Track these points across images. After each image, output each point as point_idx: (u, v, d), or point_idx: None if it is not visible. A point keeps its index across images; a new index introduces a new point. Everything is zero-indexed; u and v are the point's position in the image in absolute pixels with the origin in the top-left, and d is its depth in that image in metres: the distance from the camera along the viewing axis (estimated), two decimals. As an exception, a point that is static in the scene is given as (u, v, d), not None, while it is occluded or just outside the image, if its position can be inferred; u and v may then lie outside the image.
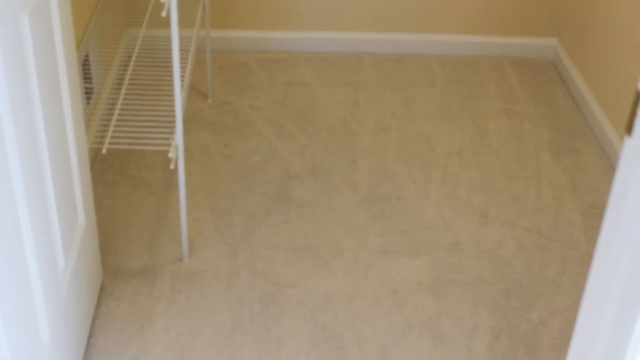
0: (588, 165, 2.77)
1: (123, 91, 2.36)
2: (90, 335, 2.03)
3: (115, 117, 2.22)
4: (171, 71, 2.03)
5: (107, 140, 2.12)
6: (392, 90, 3.15)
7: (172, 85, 2.42)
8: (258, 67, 3.26)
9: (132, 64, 2.47)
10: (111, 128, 2.17)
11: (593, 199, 2.60)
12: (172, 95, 2.44)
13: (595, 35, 2.99)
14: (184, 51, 2.60)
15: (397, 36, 3.38)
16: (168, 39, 2.02)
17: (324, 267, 2.30)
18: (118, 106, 2.25)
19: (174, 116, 2.15)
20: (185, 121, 2.88)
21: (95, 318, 2.08)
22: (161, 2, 1.85)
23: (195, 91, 3.07)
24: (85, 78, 2.55)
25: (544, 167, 2.74)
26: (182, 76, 2.35)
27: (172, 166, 2.05)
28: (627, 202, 0.98)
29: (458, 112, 3.03)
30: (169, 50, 2.21)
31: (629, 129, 0.94)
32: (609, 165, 2.77)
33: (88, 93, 2.59)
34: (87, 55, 2.57)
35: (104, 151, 2.09)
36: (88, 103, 2.58)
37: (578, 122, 3.00)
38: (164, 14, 1.85)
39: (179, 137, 2.07)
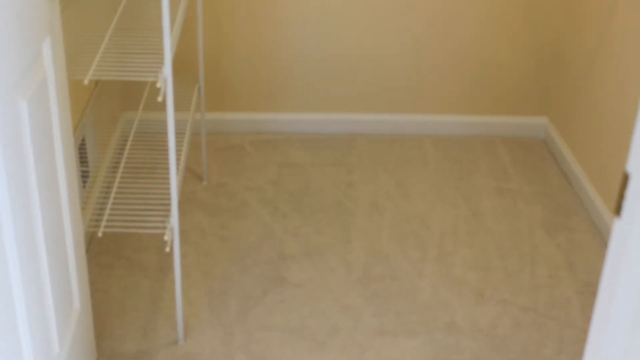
0: (582, 243, 2.78)
1: (119, 174, 2.39)
2: (84, 422, 2.01)
3: (111, 200, 2.24)
4: (167, 154, 2.06)
5: (103, 223, 2.13)
6: (385, 170, 3.18)
7: (167, 168, 2.44)
8: (252, 148, 3.30)
9: (128, 146, 2.50)
10: (107, 211, 2.18)
11: (588, 277, 2.61)
12: (168, 178, 2.46)
13: (585, 114, 3.04)
14: (179, 134, 2.64)
15: (390, 117, 3.43)
16: (164, 122, 2.05)
17: (320, 348, 2.28)
18: (114, 189, 2.27)
19: (169, 198, 2.16)
20: (181, 203, 2.89)
21: (89, 403, 2.06)
22: (157, 87, 1.88)
23: (190, 173, 3.10)
24: (81, 161, 2.57)
25: (538, 245, 2.75)
26: (178, 159, 2.38)
27: (167, 249, 2.06)
28: (619, 282, 0.99)
29: (452, 191, 3.06)
30: (164, 133, 2.24)
31: (617, 210, 0.96)
32: (603, 242, 2.78)
33: (84, 176, 2.61)
34: (83, 139, 2.60)
35: (99, 234, 2.10)
36: (84, 186, 2.60)
37: (571, 199, 3.03)
38: (160, 99, 1.88)
39: (174, 219, 2.09)
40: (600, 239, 2.80)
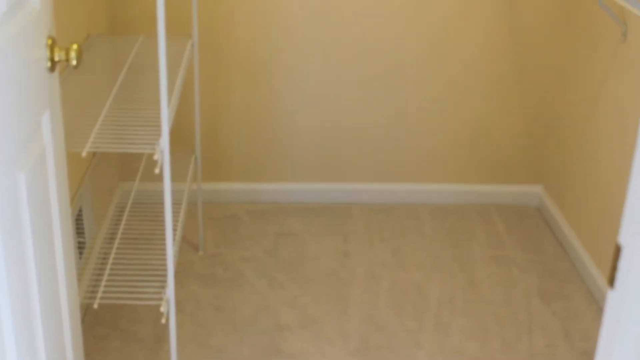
0: (578, 311, 2.77)
1: (115, 245, 2.39)
2: None
3: (107, 271, 2.24)
4: (163, 224, 2.07)
5: (99, 295, 2.13)
6: (381, 239, 3.19)
7: (164, 239, 2.45)
8: (248, 218, 3.31)
9: (124, 217, 2.51)
10: (103, 282, 2.18)
11: (585, 345, 2.60)
12: (164, 249, 2.46)
13: (579, 182, 3.07)
14: (176, 204, 2.64)
15: (385, 186, 3.46)
16: (161, 193, 2.07)
17: (316, 420, 2.26)
18: (110, 260, 2.27)
19: (165, 269, 2.16)
20: (177, 273, 2.89)
21: None
22: (155, 159, 1.90)
23: (186, 243, 3.10)
24: (78, 232, 2.58)
25: (534, 314, 2.75)
26: (174, 230, 2.39)
27: (163, 320, 2.05)
28: (614, 353, 0.99)
29: (448, 260, 3.06)
30: (161, 203, 2.25)
31: (611, 282, 0.97)
32: (599, 310, 2.78)
33: (80, 247, 2.61)
34: (80, 209, 2.61)
35: (95, 306, 2.09)
36: (80, 257, 2.60)
37: (566, 267, 3.03)
38: (157, 171, 1.90)
39: (170, 291, 2.08)
40: (596, 306, 2.80)
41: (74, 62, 1.55)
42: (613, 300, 0.99)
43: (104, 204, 2.99)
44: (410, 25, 3.21)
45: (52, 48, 1.55)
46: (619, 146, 2.73)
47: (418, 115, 3.35)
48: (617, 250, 0.97)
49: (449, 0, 3.17)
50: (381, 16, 3.19)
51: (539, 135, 3.40)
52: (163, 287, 2.15)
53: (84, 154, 1.91)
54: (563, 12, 3.19)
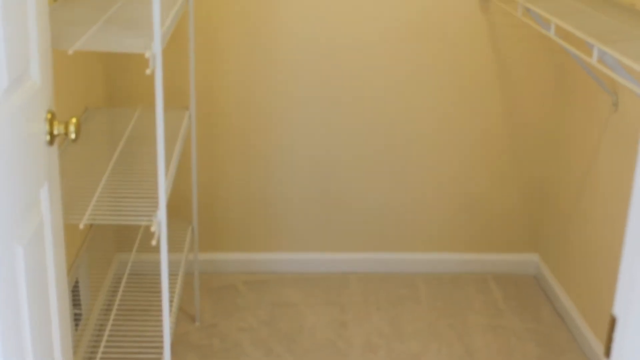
0: (578, 381, 2.76)
1: (112, 316, 2.38)
2: None
3: (103, 342, 2.23)
4: (160, 295, 2.06)
5: (94, 367, 2.11)
6: (378, 308, 3.18)
7: (160, 309, 2.44)
8: (245, 288, 3.30)
9: (121, 288, 2.51)
10: (99, 354, 2.16)
11: (586, 417, 2.57)
12: (161, 320, 2.45)
13: (575, 251, 3.07)
14: (172, 275, 2.64)
15: (382, 255, 3.46)
16: (157, 264, 2.07)
17: None
18: (106, 332, 2.26)
19: (162, 340, 2.15)
20: (173, 345, 2.87)
21: None
22: (152, 230, 1.91)
23: (183, 313, 3.08)
24: (74, 303, 2.57)
25: (534, 384, 2.73)
26: (171, 301, 2.38)
27: (159, 393, 2.04)
28: None
29: (445, 329, 3.04)
30: (158, 274, 2.25)
31: (607, 353, 0.97)
32: (599, 380, 2.76)
33: (77, 318, 2.60)
34: (77, 281, 2.61)
35: (90, 379, 2.08)
36: (76, 328, 2.58)
37: (564, 336, 3.02)
38: (154, 242, 1.91)
39: (166, 362, 2.07)
40: (596, 377, 2.78)
41: (73, 136, 1.57)
42: (609, 370, 0.99)
43: (100, 275, 2.99)
44: (409, 104, 3.25)
45: (51, 122, 1.57)
46: (613, 214, 2.74)
47: (415, 185, 3.37)
48: (612, 321, 0.97)
49: (447, 81, 3.23)
50: (383, 92, 3.24)
51: (534, 204, 3.42)
52: (159, 358, 2.14)
53: (81, 227, 1.92)
54: (555, 83, 3.24)
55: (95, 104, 2.94)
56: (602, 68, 2.12)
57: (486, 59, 3.23)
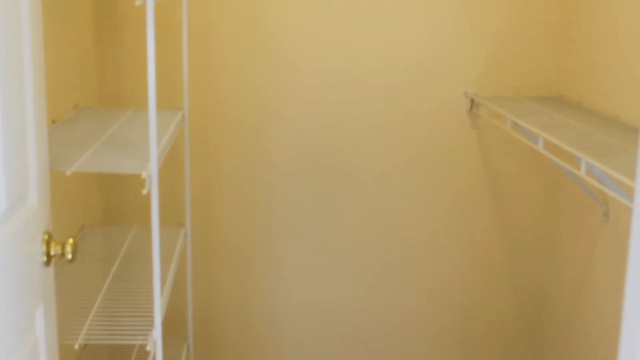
0: None
1: None
2: None
3: None
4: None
5: None
6: None
7: None
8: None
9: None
10: None
11: None
12: None
13: (572, 357, 3.05)
14: (167, 394, 2.61)
15: (380, 370, 3.43)
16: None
17: None
18: None
19: None
20: None
21: None
22: (147, 350, 1.90)
23: None
24: None
25: None
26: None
27: None
28: None
29: None
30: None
31: None
32: None
33: None
34: (70, 403, 2.56)
35: None
36: None
37: None
38: (149, 362, 1.89)
39: None
40: None
41: (70, 256, 1.59)
42: None
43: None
44: (401, 214, 3.29)
45: (48, 243, 1.59)
46: (608, 322, 2.73)
47: (409, 295, 3.36)
48: None
49: (439, 192, 3.27)
50: (376, 201, 3.28)
51: (531, 312, 3.40)
52: None
53: (76, 347, 1.91)
54: (545, 194, 3.28)
55: (91, 221, 2.96)
56: (591, 181, 2.16)
57: (477, 172, 3.28)
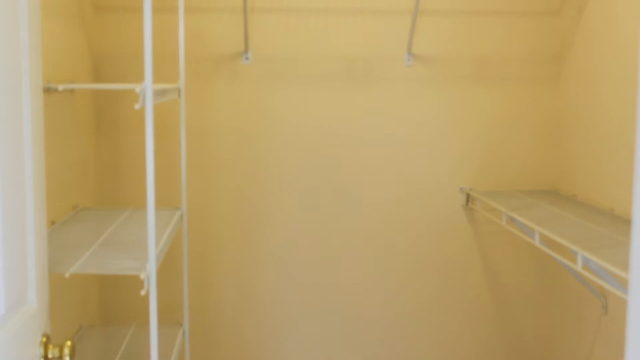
0: None
1: None
2: None
3: None
4: None
5: None
6: None
7: None
8: None
9: None
10: None
11: None
12: None
13: None
14: None
15: None
16: None
17: None
18: None
19: None
20: None
21: None
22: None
23: None
24: None
25: None
26: None
27: None
28: None
29: None
30: None
31: None
32: None
33: None
34: None
35: None
36: None
37: None
38: None
39: None
40: None
41: (67, 359, 1.58)
42: None
43: None
44: (397, 314, 3.28)
45: (46, 346, 1.58)
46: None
47: (410, 394, 3.33)
48: None
49: (437, 289, 3.27)
50: (372, 301, 3.27)
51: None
52: None
53: None
54: (543, 287, 3.28)
55: (89, 321, 2.95)
56: (587, 274, 2.17)
57: (474, 267, 3.28)
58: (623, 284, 2.18)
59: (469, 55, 3.20)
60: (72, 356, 1.59)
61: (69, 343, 1.59)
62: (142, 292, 1.84)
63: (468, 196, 3.22)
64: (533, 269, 3.29)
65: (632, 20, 2.60)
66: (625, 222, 2.51)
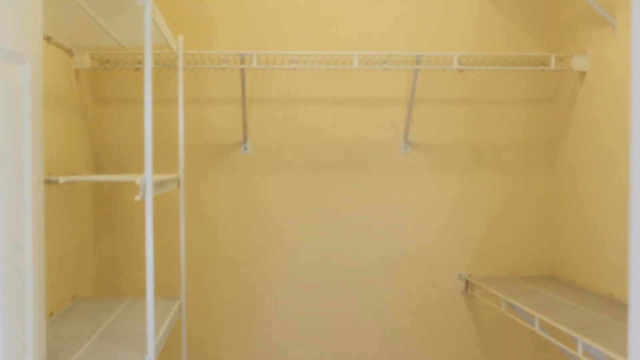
0: None
1: None
2: None
3: None
4: None
5: None
6: None
7: None
8: None
9: None
10: None
11: None
12: None
13: None
14: None
15: None
16: None
17: None
18: None
19: None
20: None
21: None
22: None
23: None
24: None
25: None
26: None
27: None
28: None
29: None
30: None
31: None
32: None
33: None
34: None
35: None
36: None
37: None
38: None
39: None
40: None
41: None
42: None
43: None
44: None
45: None
46: None
47: None
48: None
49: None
50: (369, 386, 3.24)
51: None
52: None
53: None
54: (547, 373, 3.26)
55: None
56: (588, 361, 2.16)
57: (474, 352, 3.25)
58: (625, 371, 2.16)
59: (465, 143, 3.24)
60: None
61: None
62: (141, 385, 1.82)
63: (467, 282, 3.22)
64: (534, 355, 3.26)
65: (624, 105, 2.64)
66: (625, 307, 2.50)
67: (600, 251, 2.81)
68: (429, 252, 3.24)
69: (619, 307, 2.53)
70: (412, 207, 3.24)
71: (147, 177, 1.83)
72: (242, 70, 2.96)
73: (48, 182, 2.27)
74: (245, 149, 3.17)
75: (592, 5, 2.75)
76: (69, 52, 2.75)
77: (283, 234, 3.20)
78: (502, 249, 3.26)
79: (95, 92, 3.10)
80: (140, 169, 1.90)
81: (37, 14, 1.57)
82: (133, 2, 1.92)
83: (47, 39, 2.48)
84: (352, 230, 3.22)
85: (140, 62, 2.95)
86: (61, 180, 2.13)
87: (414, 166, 3.23)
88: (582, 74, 2.99)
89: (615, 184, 2.71)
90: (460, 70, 3.18)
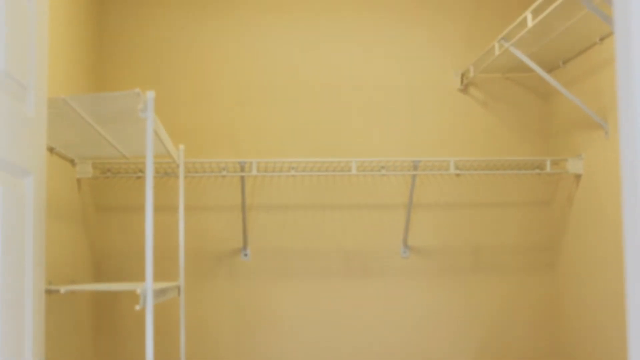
0: None
1: None
2: None
3: None
4: None
5: None
6: None
7: None
8: None
9: None
10: None
11: None
12: None
13: None
14: None
15: None
16: None
17: None
18: None
19: None
20: None
21: None
22: None
23: None
24: None
25: None
26: None
27: None
28: None
29: None
30: None
31: None
32: None
33: None
34: None
35: None
36: None
37: None
38: None
39: None
40: None
41: None
42: None
43: None
44: None
45: None
46: None
47: None
48: None
49: None
50: None
51: None
52: None
53: None
54: None
55: None
56: None
57: None
58: None
59: (464, 246, 3.26)
60: None
61: None
62: None
63: (471, 388, 3.18)
64: None
65: (618, 206, 2.67)
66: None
67: (600, 351, 2.78)
68: (430, 356, 3.20)
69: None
70: (412, 311, 3.22)
71: (148, 286, 1.84)
72: (242, 177, 3.00)
73: (49, 292, 2.27)
74: (245, 255, 3.18)
75: (585, 110, 2.81)
76: (72, 162, 2.79)
77: (284, 340, 3.17)
78: (502, 350, 3.22)
79: (96, 200, 3.13)
80: (141, 275, 1.91)
81: (42, 128, 1.61)
82: (135, 115, 1.97)
83: (50, 149, 2.53)
84: (353, 337, 3.19)
85: (142, 170, 2.99)
86: (62, 290, 2.13)
87: (413, 271, 3.23)
88: (578, 177, 3.03)
89: (614, 286, 2.71)
90: (458, 175, 3.22)
